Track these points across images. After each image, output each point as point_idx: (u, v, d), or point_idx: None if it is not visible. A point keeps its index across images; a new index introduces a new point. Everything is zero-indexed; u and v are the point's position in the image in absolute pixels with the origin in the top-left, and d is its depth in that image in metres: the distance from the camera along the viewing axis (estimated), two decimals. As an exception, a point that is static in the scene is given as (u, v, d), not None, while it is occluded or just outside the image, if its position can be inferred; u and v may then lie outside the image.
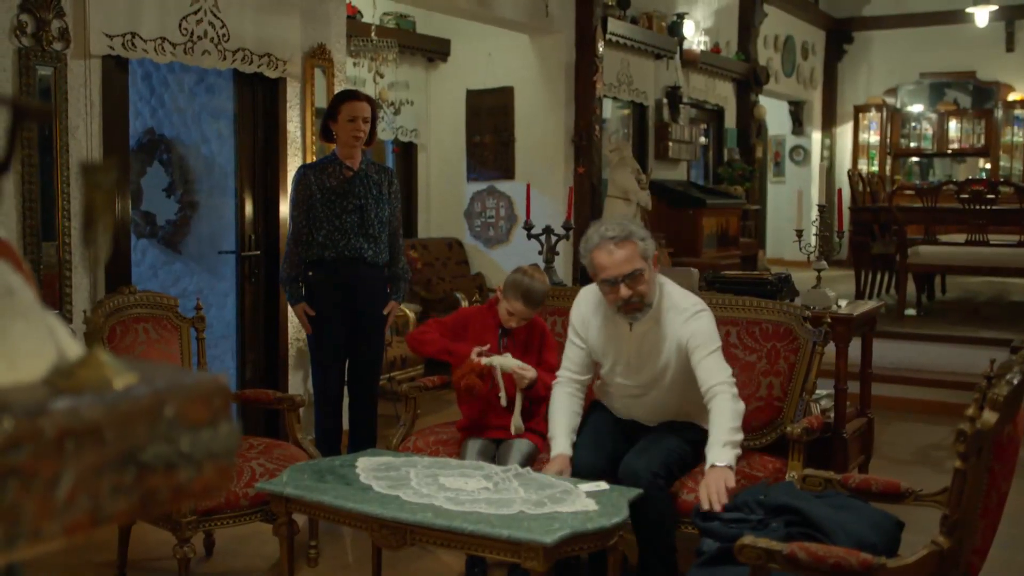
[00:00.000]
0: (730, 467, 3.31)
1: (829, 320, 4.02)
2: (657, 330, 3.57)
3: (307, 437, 4.68)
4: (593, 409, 3.89)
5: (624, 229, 3.50)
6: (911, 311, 9.05)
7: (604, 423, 3.80)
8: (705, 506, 3.16)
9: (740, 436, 3.43)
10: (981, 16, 12.36)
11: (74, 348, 1.11)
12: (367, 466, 3.38)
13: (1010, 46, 13.87)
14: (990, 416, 2.23)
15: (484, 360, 3.91)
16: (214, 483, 1.03)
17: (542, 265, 4.84)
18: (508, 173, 8.50)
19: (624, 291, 3.45)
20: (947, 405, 7.03)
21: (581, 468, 3.55)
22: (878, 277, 10.07)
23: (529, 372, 3.94)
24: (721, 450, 3.34)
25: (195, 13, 4.95)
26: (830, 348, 4.12)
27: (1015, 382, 2.33)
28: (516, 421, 3.94)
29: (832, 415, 4.29)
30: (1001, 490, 2.43)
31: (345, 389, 4.93)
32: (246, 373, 5.56)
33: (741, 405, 3.49)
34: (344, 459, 3.55)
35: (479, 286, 8.38)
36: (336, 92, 5.39)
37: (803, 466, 3.67)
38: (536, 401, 4.02)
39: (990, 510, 2.40)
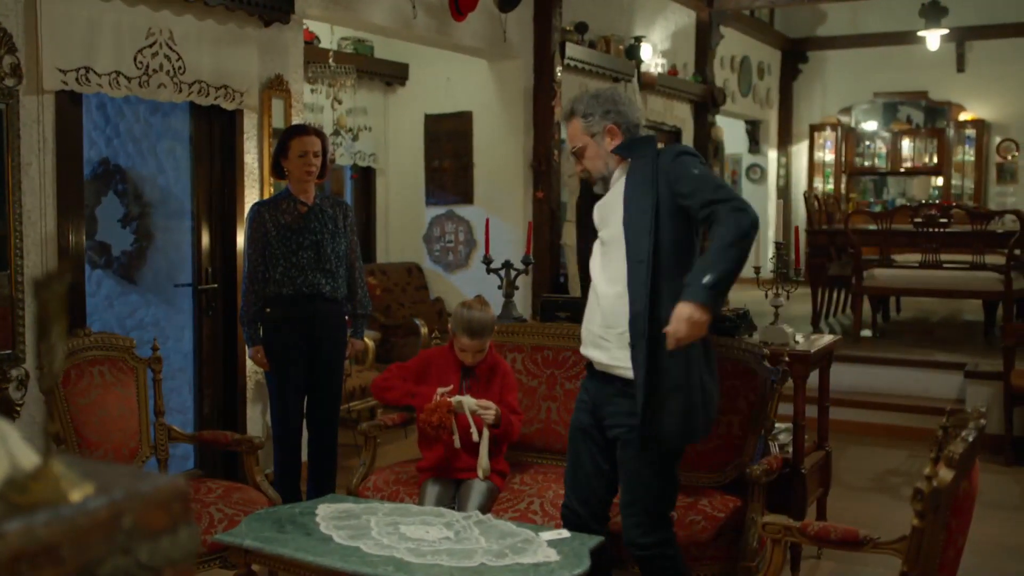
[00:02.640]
0: (700, 304, 2.89)
1: (787, 359, 4.04)
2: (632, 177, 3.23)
3: (265, 470, 4.62)
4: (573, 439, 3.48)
5: (568, 106, 3.33)
6: (867, 332, 9.15)
7: (583, 462, 3.43)
8: (670, 345, 2.93)
9: (727, 264, 2.92)
10: (932, 39, 12.54)
11: (28, 456, 1.09)
12: (327, 514, 3.35)
13: (961, 67, 14.08)
14: (946, 474, 2.25)
15: (451, 399, 3.89)
16: (173, 589, 1.02)
17: (501, 300, 4.84)
18: (467, 198, 8.48)
19: (576, 165, 3.37)
20: (904, 429, 7.13)
21: (571, 522, 3.40)
22: (835, 296, 10.20)
23: (490, 409, 3.93)
24: (697, 287, 2.92)
25: (151, 46, 4.90)
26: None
27: (970, 439, 2.36)
28: (483, 462, 3.91)
29: (790, 450, 4.32)
30: (958, 544, 2.46)
31: (304, 423, 4.89)
32: (203, 407, 5.50)
33: (745, 220, 3.00)
34: (304, 507, 3.51)
35: (439, 311, 8.35)
36: (288, 126, 5.36)
37: (763, 504, 3.71)
38: (498, 441, 4.01)
39: (947, 564, 2.42)
